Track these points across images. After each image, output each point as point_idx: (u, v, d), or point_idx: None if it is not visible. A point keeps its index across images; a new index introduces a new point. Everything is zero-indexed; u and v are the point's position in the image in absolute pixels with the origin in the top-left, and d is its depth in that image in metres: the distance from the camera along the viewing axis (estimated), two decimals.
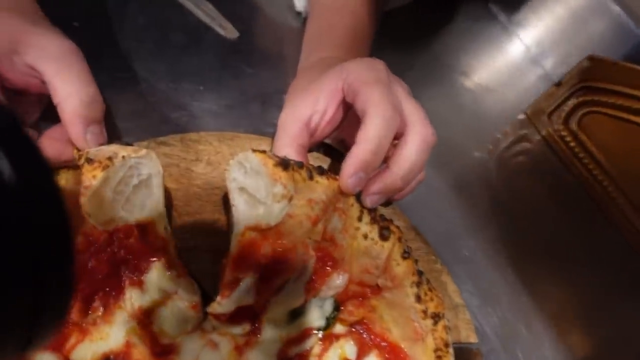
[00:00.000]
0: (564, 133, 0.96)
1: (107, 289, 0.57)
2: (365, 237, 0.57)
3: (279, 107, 0.76)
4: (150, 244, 0.55)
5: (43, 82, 0.54)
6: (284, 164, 0.52)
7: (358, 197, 0.58)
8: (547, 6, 1.10)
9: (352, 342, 0.63)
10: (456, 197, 0.88)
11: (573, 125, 0.94)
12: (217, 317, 0.60)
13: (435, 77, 1.02)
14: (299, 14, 0.95)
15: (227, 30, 0.88)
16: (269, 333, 0.62)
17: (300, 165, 0.54)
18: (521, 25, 1.13)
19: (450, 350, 0.61)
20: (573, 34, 1.09)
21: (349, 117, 0.67)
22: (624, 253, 0.93)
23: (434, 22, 1.10)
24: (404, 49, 1.02)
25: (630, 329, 0.86)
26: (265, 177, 0.52)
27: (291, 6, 0.95)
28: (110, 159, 0.50)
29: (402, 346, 0.63)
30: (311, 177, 0.54)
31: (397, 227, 0.59)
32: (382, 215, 0.59)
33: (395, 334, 0.63)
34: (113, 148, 0.53)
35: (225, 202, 0.69)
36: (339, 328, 0.64)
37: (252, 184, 0.54)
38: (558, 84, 0.93)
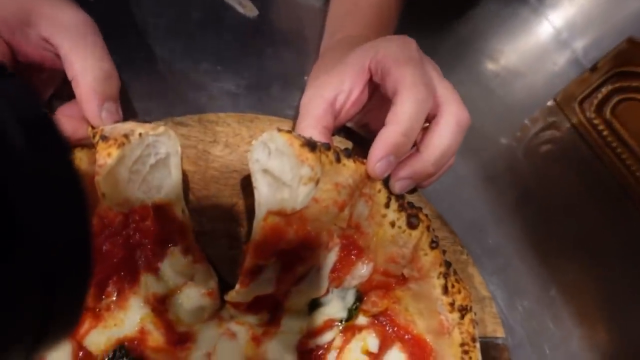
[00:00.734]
0: (596, 121, 0.91)
1: (122, 274, 0.55)
2: (393, 224, 0.54)
3: (301, 88, 0.74)
4: (167, 227, 0.53)
5: (57, 56, 0.52)
6: (311, 145, 0.49)
7: (386, 182, 0.55)
8: None
9: (374, 335, 0.61)
10: (483, 185, 0.85)
11: (607, 113, 0.89)
12: (235, 305, 0.57)
13: (461, 62, 0.98)
14: None
15: (247, 8, 0.85)
16: (289, 324, 0.60)
17: (328, 147, 0.50)
18: (551, 6, 1.08)
19: (477, 344, 0.59)
20: (607, 15, 1.04)
21: (375, 100, 0.64)
22: None
23: (460, 4, 1.06)
24: (430, 31, 0.97)
25: None
26: (292, 158, 0.49)
27: None
28: (126, 136, 0.48)
29: (427, 339, 0.60)
30: (338, 160, 0.51)
31: (426, 216, 0.56)
32: (410, 203, 0.56)
33: (420, 326, 0.60)
34: (129, 125, 0.50)
35: (244, 186, 0.67)
36: (361, 320, 0.61)
37: (277, 165, 0.51)
38: (592, 69, 0.89)
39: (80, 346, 0.53)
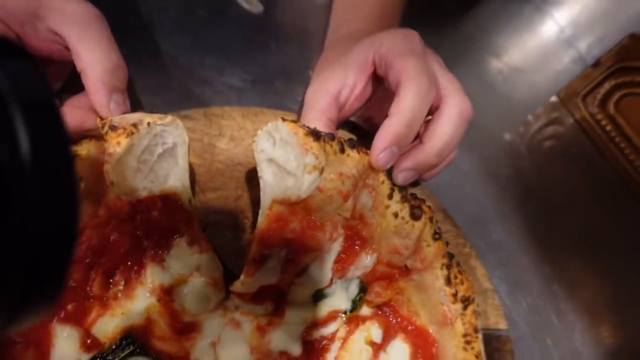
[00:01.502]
0: (599, 116, 0.92)
1: (129, 263, 0.56)
2: (396, 215, 0.55)
3: (305, 83, 0.74)
4: (174, 217, 0.53)
5: (66, 49, 0.53)
6: (315, 134, 0.50)
7: (389, 174, 0.56)
8: None
9: (377, 325, 0.61)
10: (486, 180, 0.85)
11: (610, 108, 0.90)
12: (240, 295, 0.58)
13: (465, 58, 0.99)
14: None
15: (252, 4, 0.86)
16: (293, 315, 0.60)
17: (332, 137, 0.51)
18: (555, 4, 1.09)
19: (480, 335, 0.59)
20: (611, 13, 1.04)
21: (378, 94, 0.64)
22: None
23: (464, 0, 1.06)
24: (433, 28, 0.98)
25: None
26: (296, 146, 0.49)
27: None
28: (135, 125, 0.49)
29: (430, 330, 0.60)
30: (342, 150, 0.51)
31: (429, 207, 0.56)
32: (413, 194, 0.56)
33: (423, 317, 0.60)
34: (138, 115, 0.51)
35: (249, 179, 0.67)
36: (364, 310, 0.62)
37: (282, 154, 0.52)
38: (595, 64, 0.89)
39: (88, 334, 0.53)
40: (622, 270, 0.84)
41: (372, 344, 0.60)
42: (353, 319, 0.61)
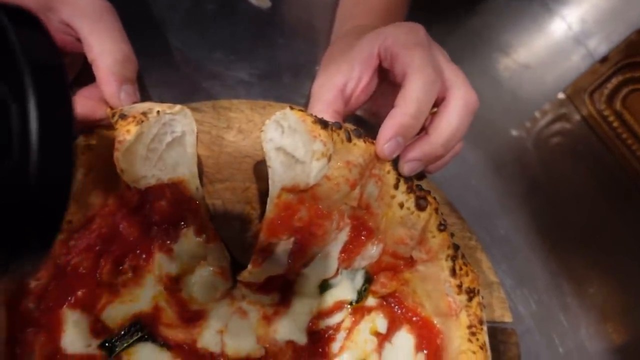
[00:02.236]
0: (606, 113, 0.92)
1: (138, 252, 0.57)
2: (401, 206, 0.55)
3: (312, 77, 0.75)
4: (182, 205, 0.54)
5: (78, 40, 0.54)
6: (323, 122, 0.50)
7: (395, 164, 0.56)
8: None
9: (382, 316, 0.62)
10: (492, 175, 0.86)
11: (617, 104, 0.90)
12: (247, 285, 0.59)
13: (472, 54, 0.99)
14: None
15: (260, 0, 0.87)
16: (299, 305, 0.61)
17: (339, 126, 0.52)
18: (563, 1, 1.09)
19: (484, 327, 0.59)
20: (619, 9, 1.04)
21: (384, 88, 0.65)
22: None
23: None
24: (440, 23, 0.98)
25: None
26: (304, 134, 0.50)
27: None
28: (144, 114, 0.49)
29: (435, 321, 0.61)
30: (349, 139, 0.52)
31: (434, 198, 0.57)
32: (419, 185, 0.57)
33: (428, 308, 0.61)
34: (147, 104, 0.52)
35: (257, 171, 0.68)
36: (370, 301, 0.62)
37: (290, 142, 0.52)
38: (602, 61, 0.89)
39: (97, 319, 0.54)
40: (629, 266, 0.84)
41: (377, 334, 0.61)
42: (358, 309, 0.62)
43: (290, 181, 0.52)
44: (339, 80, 0.61)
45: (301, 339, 0.59)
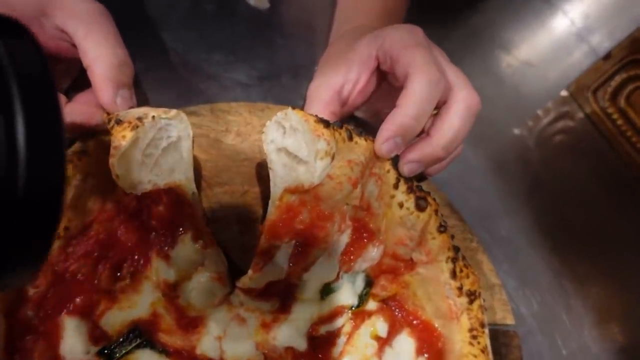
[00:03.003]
0: (610, 110, 0.91)
1: (136, 257, 0.57)
2: (401, 205, 0.55)
3: (311, 79, 0.74)
4: (178, 210, 0.54)
5: (73, 46, 0.54)
6: (325, 122, 0.50)
7: (395, 163, 0.56)
8: None
9: (383, 320, 0.61)
10: (494, 175, 0.85)
11: (621, 102, 0.89)
12: (246, 291, 0.58)
13: (473, 52, 0.98)
14: None
15: (258, 1, 0.86)
16: (299, 311, 0.61)
17: (340, 125, 0.52)
18: None
19: (486, 330, 0.59)
20: (622, 5, 1.03)
21: (385, 89, 0.64)
22: None
23: None
24: (441, 21, 0.97)
25: None
26: (307, 133, 0.50)
27: None
28: (140, 119, 0.49)
29: (435, 325, 0.60)
30: (350, 138, 0.52)
31: (434, 200, 0.56)
32: (419, 186, 0.56)
33: (429, 311, 0.60)
34: (143, 109, 0.52)
35: (259, 172, 0.68)
36: (370, 305, 0.62)
37: (293, 142, 0.52)
38: (606, 57, 0.88)
39: (96, 326, 0.54)
40: (633, 266, 0.83)
41: (377, 338, 0.60)
42: (359, 314, 0.62)
43: (293, 182, 0.51)
44: (336, 82, 0.60)
45: (301, 344, 0.59)
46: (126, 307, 0.56)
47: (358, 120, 0.74)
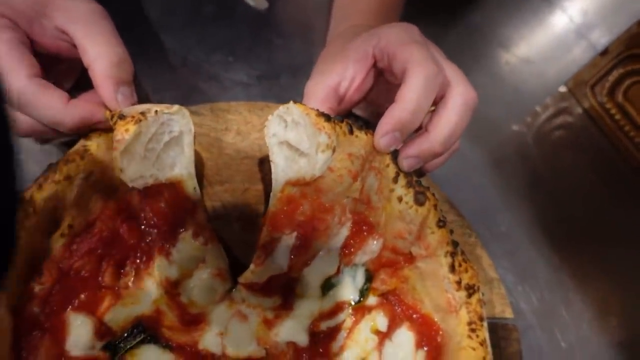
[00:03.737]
0: (608, 105, 0.91)
1: (139, 254, 0.58)
2: (400, 199, 0.56)
3: (309, 78, 0.75)
4: (179, 205, 0.55)
5: (73, 46, 0.54)
6: (326, 115, 0.51)
7: (394, 158, 0.57)
8: None
9: (382, 314, 0.62)
10: (493, 171, 0.85)
11: (619, 97, 0.89)
12: (248, 287, 0.59)
13: (472, 49, 0.98)
14: None
15: (257, 1, 0.87)
16: (301, 307, 0.61)
17: (341, 119, 0.53)
18: None
19: (485, 324, 0.59)
20: (621, 2, 1.03)
21: (382, 86, 0.65)
22: None
23: None
24: (439, 18, 0.98)
25: None
26: (309, 127, 0.51)
27: None
28: (143, 114, 0.50)
29: (435, 318, 0.61)
30: (351, 132, 0.53)
31: (433, 194, 0.57)
32: (418, 181, 0.57)
33: (428, 305, 0.61)
34: (146, 105, 0.53)
35: (256, 172, 0.69)
36: (371, 300, 0.62)
37: (294, 136, 0.53)
38: (603, 53, 0.88)
39: (101, 322, 0.55)
40: (632, 260, 0.83)
41: (377, 332, 0.61)
42: (359, 309, 0.62)
43: (295, 174, 0.52)
44: (332, 79, 0.61)
45: (302, 340, 0.60)
46: (129, 303, 0.57)
47: (356, 117, 0.75)
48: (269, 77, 0.81)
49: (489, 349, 0.58)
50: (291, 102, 0.53)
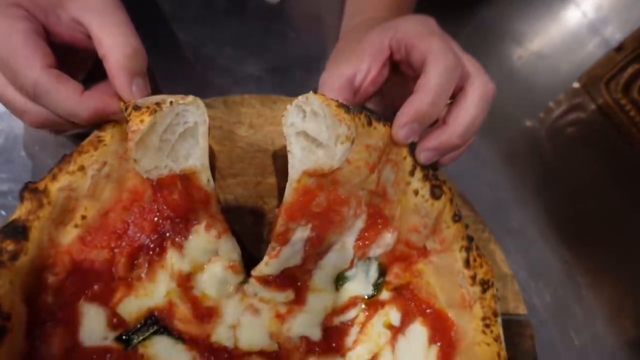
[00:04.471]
0: (622, 101, 0.90)
1: (152, 246, 0.57)
2: (416, 193, 0.55)
3: (322, 71, 0.75)
4: (193, 196, 0.54)
5: (88, 36, 0.54)
6: (345, 106, 0.50)
7: (412, 150, 0.56)
8: None
9: (396, 309, 0.62)
10: (506, 167, 0.85)
11: (634, 93, 0.88)
12: (261, 280, 0.59)
13: (484, 44, 0.98)
14: None
15: None
16: (314, 302, 0.61)
17: (359, 110, 0.52)
18: None
19: (499, 319, 0.59)
20: None
21: (397, 79, 0.64)
22: None
23: None
24: (452, 13, 0.97)
25: None
26: (329, 117, 0.50)
27: None
28: (158, 104, 0.50)
29: (448, 313, 0.60)
30: (370, 123, 0.52)
31: (449, 188, 0.57)
32: (434, 174, 0.57)
33: (441, 300, 0.60)
34: (160, 96, 0.53)
35: (268, 165, 0.69)
36: (384, 294, 0.62)
37: (313, 126, 0.52)
38: (618, 48, 0.87)
39: (114, 313, 0.55)
40: None
41: (390, 327, 0.61)
42: (372, 304, 0.62)
43: (312, 165, 0.52)
44: (348, 71, 0.61)
45: (315, 334, 0.60)
46: (142, 295, 0.57)
47: (368, 111, 0.74)
48: (281, 70, 0.81)
49: (503, 344, 0.57)
50: (311, 92, 0.52)
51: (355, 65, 0.60)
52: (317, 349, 0.60)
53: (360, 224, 0.58)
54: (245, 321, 0.60)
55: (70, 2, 0.53)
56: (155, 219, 0.57)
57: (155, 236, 0.57)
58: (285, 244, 0.55)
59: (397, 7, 0.77)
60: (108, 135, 0.55)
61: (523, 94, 0.94)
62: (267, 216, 0.66)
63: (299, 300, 0.60)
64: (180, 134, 0.52)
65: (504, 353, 0.57)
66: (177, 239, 0.57)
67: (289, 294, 0.60)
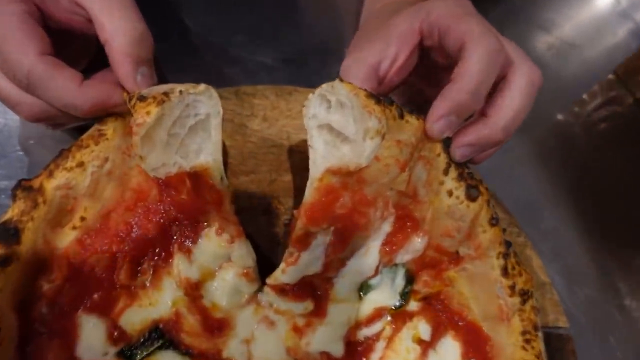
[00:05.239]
0: None
1: (157, 251, 0.53)
2: (450, 194, 0.50)
3: (340, 60, 0.69)
4: (204, 196, 0.49)
5: (88, 21, 0.49)
6: (376, 97, 0.45)
7: (446, 146, 0.51)
8: None
9: (425, 322, 0.56)
10: (538, 164, 0.79)
11: None
12: (277, 289, 0.54)
13: (512, 32, 0.90)
14: None
15: None
16: (336, 314, 0.56)
17: (390, 101, 0.46)
18: None
19: (540, 334, 0.53)
20: None
21: (425, 68, 0.59)
22: None
23: None
24: (477, 1, 0.92)
25: None
26: (357, 109, 0.45)
27: None
28: (166, 94, 0.45)
29: (483, 327, 0.55)
30: (401, 116, 0.47)
31: (487, 189, 0.51)
32: (470, 173, 0.51)
33: (476, 312, 0.55)
34: (168, 85, 0.48)
35: (284, 162, 0.64)
36: (412, 305, 0.57)
37: (339, 118, 0.47)
38: None
39: (115, 325, 0.51)
40: None
41: (420, 342, 0.56)
42: (400, 315, 0.57)
43: (337, 162, 0.47)
44: (372, 58, 0.55)
45: (337, 350, 0.55)
46: (146, 304, 0.53)
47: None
48: (296, 60, 0.76)
49: None
50: (337, 79, 0.46)
51: (380, 51, 0.55)
52: None
53: (387, 227, 0.53)
54: (260, 335, 0.55)
55: None
56: (161, 220, 0.52)
57: (161, 240, 0.53)
58: (305, 250, 0.50)
59: None
60: (110, 128, 0.50)
61: (554, 85, 0.88)
62: (282, 217, 0.61)
63: (319, 311, 0.55)
64: (191, 127, 0.47)
65: None
66: (185, 243, 0.53)
67: (308, 305, 0.55)
